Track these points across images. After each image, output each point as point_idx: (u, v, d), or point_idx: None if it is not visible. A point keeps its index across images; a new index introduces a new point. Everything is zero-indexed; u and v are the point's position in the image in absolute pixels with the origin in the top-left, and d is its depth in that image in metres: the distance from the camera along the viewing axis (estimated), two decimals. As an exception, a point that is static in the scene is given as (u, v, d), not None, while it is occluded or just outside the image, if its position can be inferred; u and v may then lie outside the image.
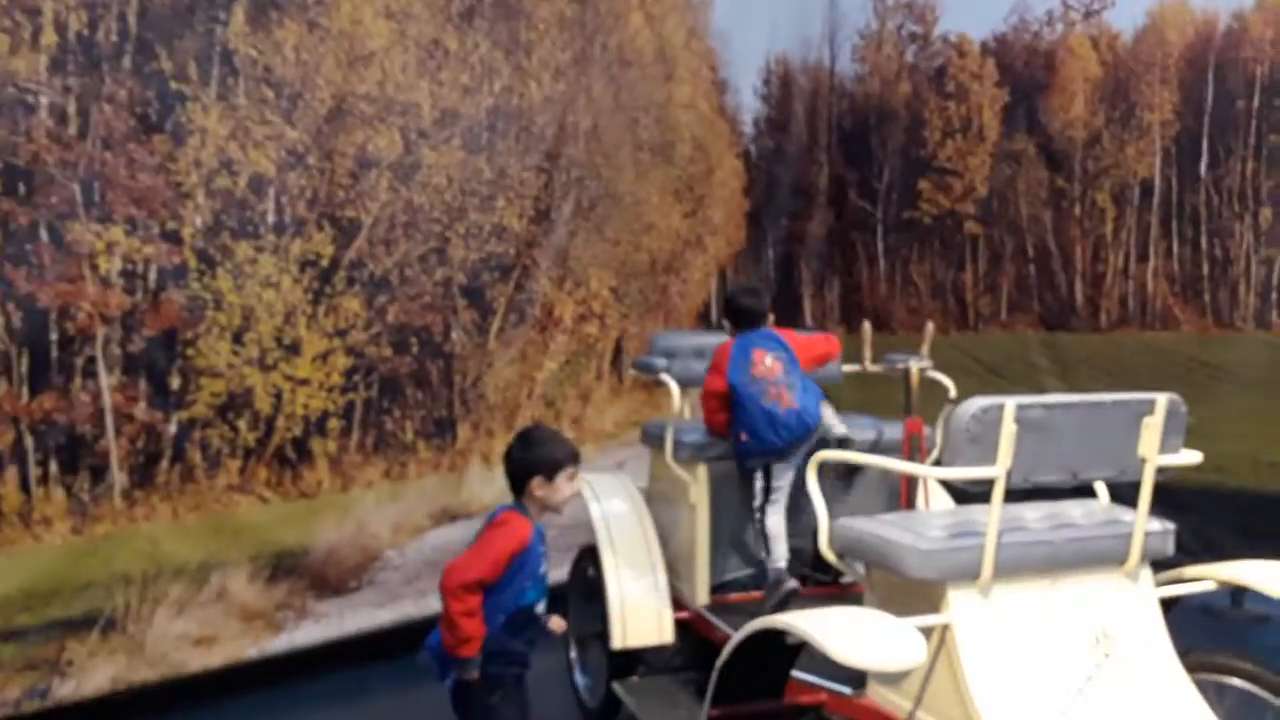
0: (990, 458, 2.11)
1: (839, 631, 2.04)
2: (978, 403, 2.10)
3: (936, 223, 5.96)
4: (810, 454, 2.67)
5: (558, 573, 4.37)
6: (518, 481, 2.52)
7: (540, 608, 2.53)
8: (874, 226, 6.19)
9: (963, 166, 5.83)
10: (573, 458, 2.59)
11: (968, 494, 2.58)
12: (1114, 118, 5.18)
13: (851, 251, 6.27)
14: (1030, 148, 5.52)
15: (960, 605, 2.18)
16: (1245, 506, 4.22)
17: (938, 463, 3.10)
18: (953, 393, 3.43)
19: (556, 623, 2.62)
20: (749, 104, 5.85)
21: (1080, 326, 5.32)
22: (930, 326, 3.40)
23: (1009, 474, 2.11)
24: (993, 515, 2.13)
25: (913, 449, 3.16)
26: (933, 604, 2.21)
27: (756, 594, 3.23)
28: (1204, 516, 2.65)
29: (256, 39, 3.81)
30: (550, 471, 2.51)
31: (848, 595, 3.31)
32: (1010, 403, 2.09)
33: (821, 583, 3.38)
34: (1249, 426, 2.93)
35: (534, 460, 2.50)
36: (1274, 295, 4.61)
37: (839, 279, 6.29)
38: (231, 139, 3.76)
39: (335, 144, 4.07)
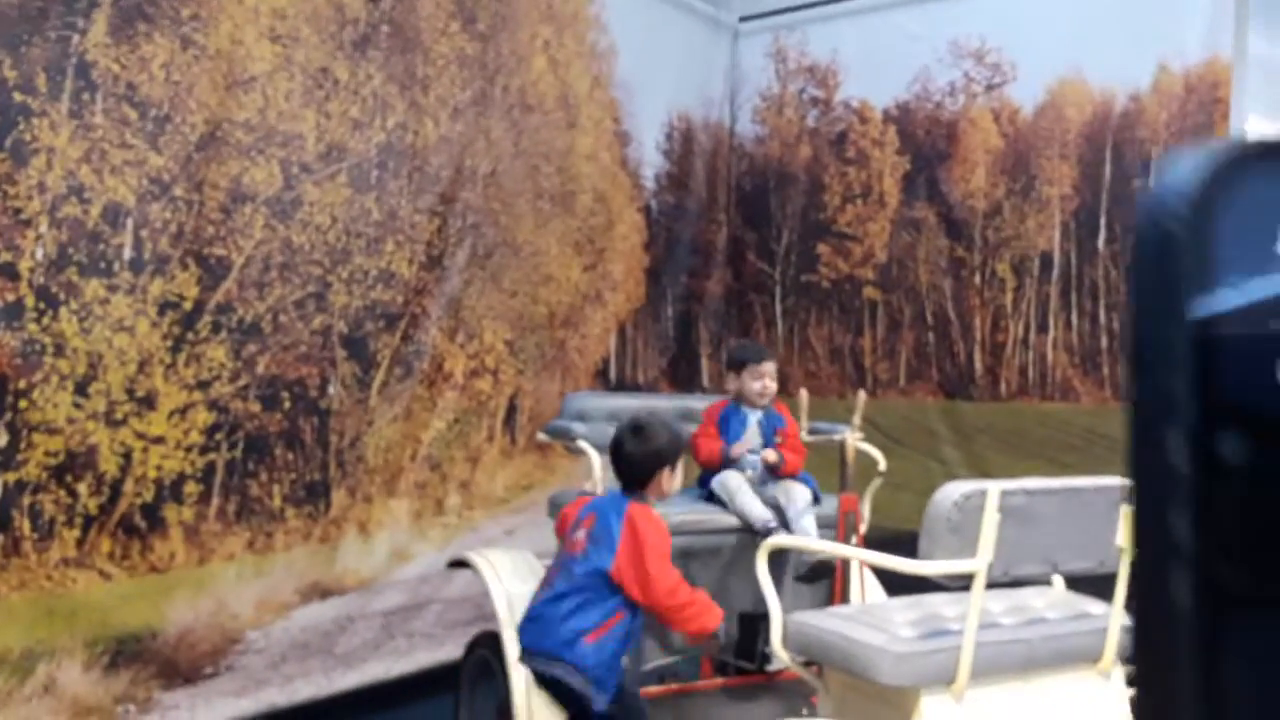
0: (970, 548, 1.90)
1: (810, 752, 1.77)
2: (959, 488, 1.89)
3: (835, 287, 5.88)
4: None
5: (441, 653, 3.97)
6: (643, 475, 2.54)
7: None
8: (772, 289, 6.07)
9: (862, 232, 5.78)
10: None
11: (899, 581, 2.36)
12: (1014, 190, 5.22)
13: (749, 313, 6.13)
14: (931, 216, 5.51)
15: (934, 713, 1.95)
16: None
17: (872, 545, 2.90)
18: (882, 465, 3.26)
19: None
20: (650, 158, 5.66)
21: (980, 395, 5.28)
22: (862, 395, 3.22)
23: (990, 567, 1.91)
24: (972, 614, 1.91)
25: (847, 528, 2.94)
26: (901, 711, 1.97)
27: (679, 686, 2.94)
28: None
29: (120, 52, 3.38)
30: (675, 461, 2.59)
31: (774, 685, 3.05)
32: (994, 488, 1.88)
33: (745, 671, 3.11)
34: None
35: (664, 452, 2.56)
36: (1168, 370, 4.64)
37: (736, 340, 6.12)
38: (84, 162, 3.30)
39: (206, 174, 3.65)
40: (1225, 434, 0.25)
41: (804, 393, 3.31)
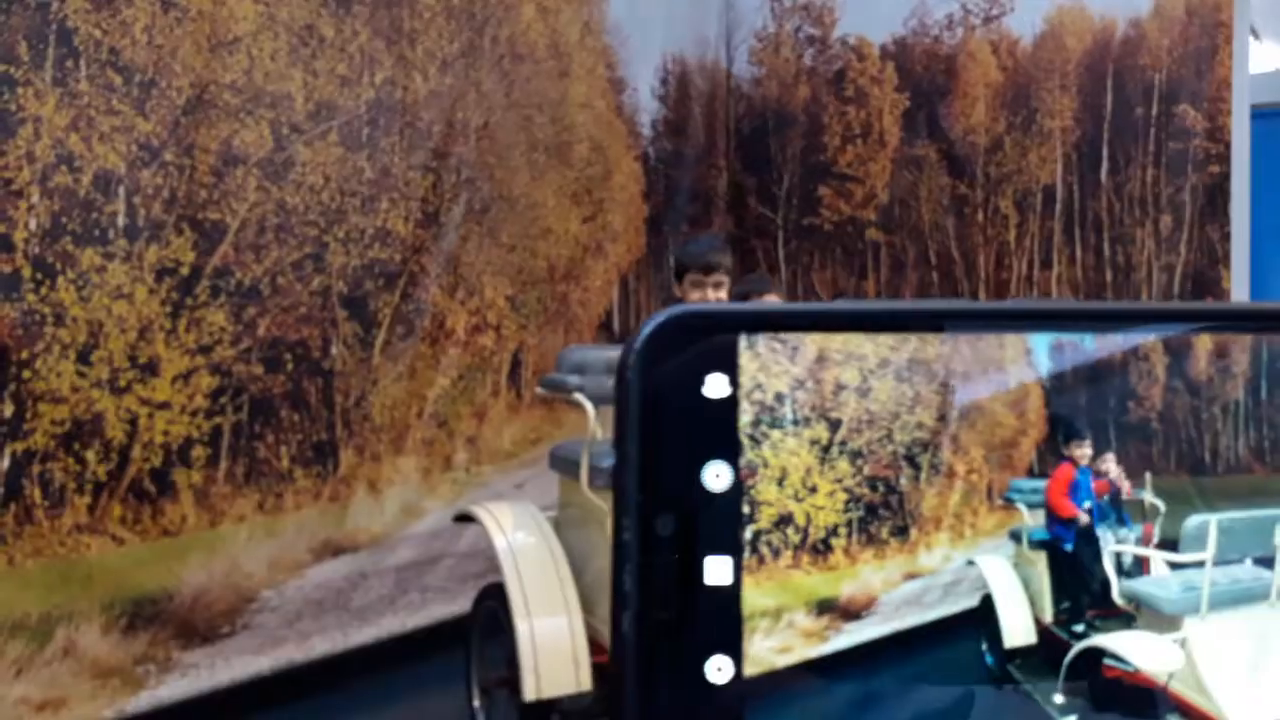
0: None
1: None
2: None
3: (838, 229, 5.84)
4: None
5: (455, 606, 4.02)
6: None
7: None
8: (774, 233, 6.03)
9: (863, 172, 5.73)
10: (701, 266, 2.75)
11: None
12: (1015, 124, 5.15)
13: (752, 259, 6.10)
14: (931, 153, 5.45)
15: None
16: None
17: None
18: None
19: None
20: (646, 104, 5.60)
21: (984, 334, 5.26)
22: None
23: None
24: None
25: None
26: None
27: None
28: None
29: (100, 17, 3.35)
30: (681, 276, 2.80)
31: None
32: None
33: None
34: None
35: (673, 269, 2.88)
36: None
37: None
38: (72, 130, 3.29)
39: (196, 138, 3.63)
40: (660, 517, 0.37)
41: None
